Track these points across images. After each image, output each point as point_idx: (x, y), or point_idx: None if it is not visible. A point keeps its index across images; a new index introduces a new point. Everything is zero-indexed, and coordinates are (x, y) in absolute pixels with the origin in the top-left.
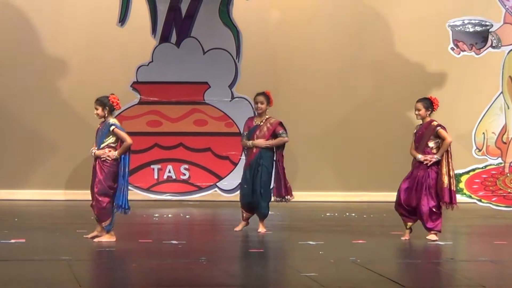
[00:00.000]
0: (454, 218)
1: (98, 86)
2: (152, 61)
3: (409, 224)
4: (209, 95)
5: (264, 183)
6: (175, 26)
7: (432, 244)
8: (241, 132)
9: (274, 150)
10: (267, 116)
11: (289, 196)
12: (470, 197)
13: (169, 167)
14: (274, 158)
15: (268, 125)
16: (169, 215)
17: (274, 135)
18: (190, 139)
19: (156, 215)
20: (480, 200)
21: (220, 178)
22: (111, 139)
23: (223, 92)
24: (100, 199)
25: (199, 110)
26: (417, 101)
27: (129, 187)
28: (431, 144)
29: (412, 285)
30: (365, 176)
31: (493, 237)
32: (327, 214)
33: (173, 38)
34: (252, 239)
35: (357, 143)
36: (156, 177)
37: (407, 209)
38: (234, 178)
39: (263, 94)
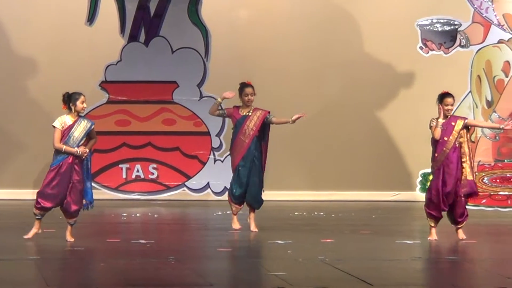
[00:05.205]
0: (422, 217)
1: (66, 85)
2: (120, 60)
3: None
4: (178, 94)
5: (259, 173)
6: (143, 25)
7: (401, 243)
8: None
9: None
10: (253, 107)
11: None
12: None
13: (138, 166)
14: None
15: (258, 114)
16: (138, 215)
17: (264, 124)
18: (158, 138)
19: (124, 214)
20: None
21: (189, 178)
22: (85, 137)
23: (191, 91)
24: (80, 197)
25: (168, 110)
26: (451, 96)
27: (97, 186)
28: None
29: (380, 283)
30: (333, 176)
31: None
32: (296, 213)
33: (142, 37)
34: (221, 238)
35: (326, 142)
36: (124, 176)
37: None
38: (203, 177)
39: (250, 85)
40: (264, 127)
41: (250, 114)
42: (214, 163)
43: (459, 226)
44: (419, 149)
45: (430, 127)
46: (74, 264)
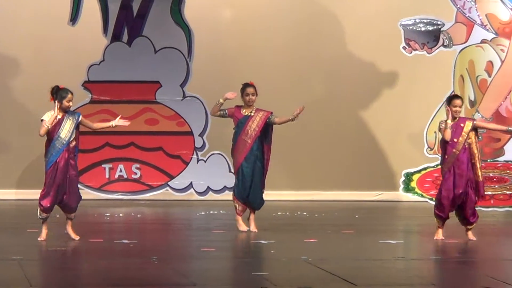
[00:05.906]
0: (405, 217)
1: (49, 85)
2: (103, 60)
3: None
4: (161, 94)
5: (261, 174)
6: (126, 25)
7: (384, 243)
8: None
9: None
10: (255, 107)
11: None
12: (422, 196)
13: (121, 166)
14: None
15: (260, 115)
16: (120, 214)
17: (266, 125)
18: (141, 138)
19: (107, 214)
20: (431, 199)
21: (172, 177)
22: (75, 130)
23: (174, 91)
24: (78, 191)
25: (151, 109)
26: (459, 98)
27: (80, 186)
28: None
29: (364, 283)
30: (316, 175)
31: (443, 236)
32: (279, 213)
33: (125, 37)
34: (204, 238)
35: (309, 142)
36: (107, 176)
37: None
38: (186, 177)
39: (252, 85)
40: (267, 128)
41: (252, 114)
42: (197, 163)
43: (470, 227)
44: (403, 149)
45: (440, 129)
46: (57, 264)
